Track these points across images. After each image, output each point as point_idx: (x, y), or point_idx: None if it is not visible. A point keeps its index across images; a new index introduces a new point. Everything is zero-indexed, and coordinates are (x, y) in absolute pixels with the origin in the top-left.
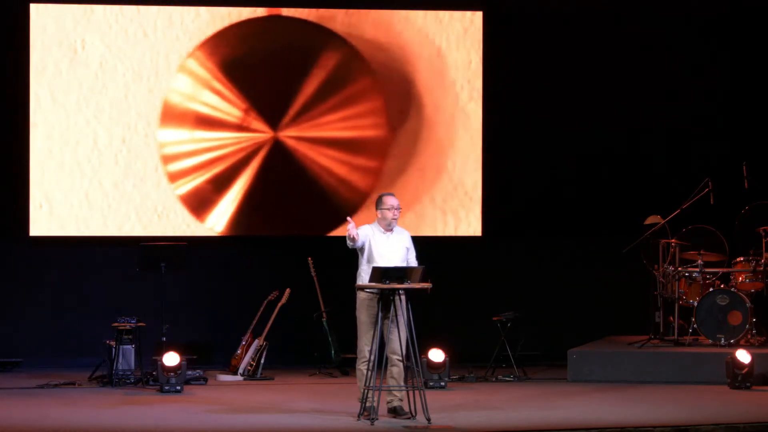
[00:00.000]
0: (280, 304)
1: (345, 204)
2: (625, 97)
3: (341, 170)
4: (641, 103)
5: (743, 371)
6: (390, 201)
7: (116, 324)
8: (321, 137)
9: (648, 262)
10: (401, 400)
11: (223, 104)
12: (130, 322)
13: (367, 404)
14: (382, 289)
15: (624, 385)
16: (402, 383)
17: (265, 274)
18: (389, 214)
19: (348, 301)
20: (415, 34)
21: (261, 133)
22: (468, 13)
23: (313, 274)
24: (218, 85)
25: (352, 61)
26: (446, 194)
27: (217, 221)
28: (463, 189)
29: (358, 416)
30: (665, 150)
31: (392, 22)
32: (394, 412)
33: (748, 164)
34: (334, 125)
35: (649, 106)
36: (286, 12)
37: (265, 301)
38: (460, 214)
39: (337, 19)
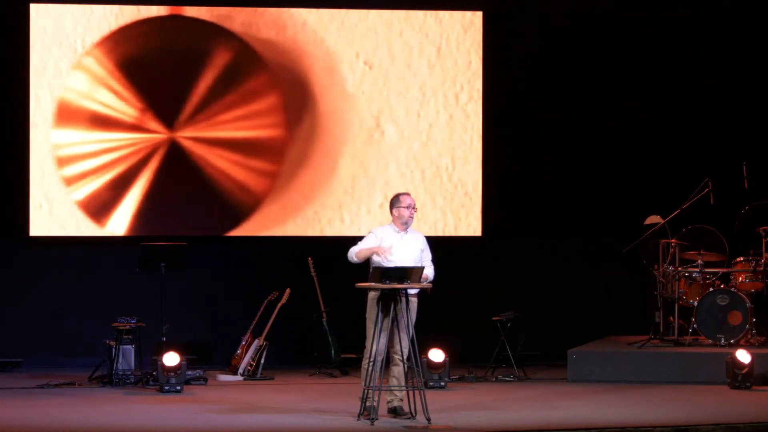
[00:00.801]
0: (280, 304)
1: (241, 205)
2: (625, 96)
3: (238, 174)
4: (641, 102)
5: (743, 371)
6: (407, 200)
7: (116, 324)
8: (217, 138)
9: (648, 262)
10: (401, 400)
11: (119, 103)
12: (130, 322)
13: (368, 404)
14: (382, 289)
15: (624, 385)
16: (402, 383)
17: (265, 274)
18: (406, 213)
19: (348, 301)
20: (308, 35)
21: (157, 133)
22: (468, 13)
23: (313, 274)
24: (115, 84)
25: (247, 59)
26: (446, 194)
27: (117, 225)
28: (463, 189)
29: (359, 416)
30: (665, 150)
31: (287, 22)
32: (394, 412)
33: (748, 164)
34: (230, 125)
35: (649, 105)
36: (186, 11)
37: (265, 301)
38: (460, 214)
39: (236, 19)
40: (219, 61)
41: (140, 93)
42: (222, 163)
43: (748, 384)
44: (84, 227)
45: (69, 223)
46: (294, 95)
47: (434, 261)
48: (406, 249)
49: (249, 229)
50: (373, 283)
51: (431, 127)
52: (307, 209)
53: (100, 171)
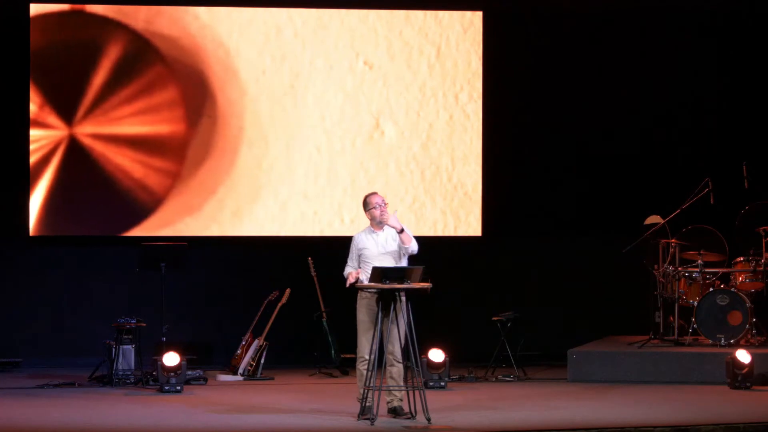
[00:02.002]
0: (280, 304)
1: (140, 204)
2: (624, 96)
3: (137, 170)
4: (641, 102)
5: (743, 371)
6: (375, 199)
7: (116, 324)
8: (117, 134)
9: (648, 262)
10: (401, 400)
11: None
12: (130, 322)
13: (367, 404)
14: (381, 289)
15: (624, 385)
16: (402, 383)
17: (265, 274)
18: (377, 212)
19: (348, 301)
20: (205, 30)
21: (57, 129)
22: (468, 13)
23: (313, 274)
24: None
25: (146, 55)
26: (446, 194)
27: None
28: (463, 189)
29: (358, 416)
30: (665, 150)
31: (186, 19)
32: (394, 412)
33: (748, 164)
34: (130, 119)
35: (649, 105)
36: (90, 8)
37: (265, 301)
38: (460, 214)
39: (135, 16)
40: (114, 54)
41: (38, 88)
42: (121, 160)
43: (748, 384)
44: None
45: (69, 223)
46: (194, 90)
47: (434, 261)
48: (382, 245)
49: (148, 228)
50: (373, 283)
51: (431, 127)
52: (206, 207)
53: None
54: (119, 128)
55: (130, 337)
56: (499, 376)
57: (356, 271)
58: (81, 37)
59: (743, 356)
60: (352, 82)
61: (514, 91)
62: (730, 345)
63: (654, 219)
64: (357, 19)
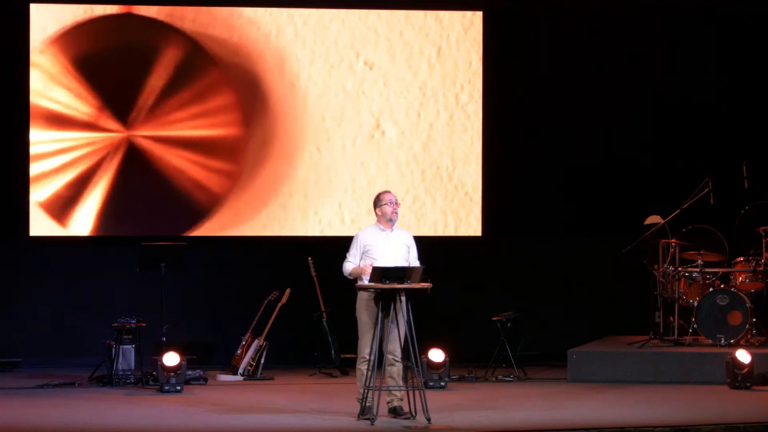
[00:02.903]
0: (280, 304)
1: (200, 205)
2: (625, 96)
3: (195, 171)
4: (641, 102)
5: (743, 371)
6: (388, 196)
7: (116, 324)
8: (174, 137)
9: (648, 262)
10: (401, 400)
11: (75, 102)
12: (130, 322)
13: (367, 404)
14: (382, 289)
15: (624, 385)
16: (401, 383)
17: (265, 274)
18: (388, 210)
19: (348, 301)
20: (256, 33)
21: (114, 132)
22: (468, 13)
23: (313, 274)
24: (70, 82)
25: (200, 59)
26: (446, 194)
27: (80, 225)
28: (463, 189)
29: (358, 416)
30: (665, 150)
31: (241, 22)
32: (394, 412)
33: (748, 164)
34: (186, 123)
35: (649, 105)
36: (139, 10)
37: (265, 301)
38: (460, 214)
39: (186, 17)
40: (169, 59)
41: (95, 91)
42: (180, 162)
43: (748, 384)
44: (47, 228)
45: (69, 223)
46: (247, 94)
47: (434, 261)
48: (392, 248)
49: (209, 229)
50: (373, 283)
51: (431, 127)
52: (266, 209)
53: (60, 171)
54: (176, 131)
55: (130, 337)
56: (499, 376)
57: (369, 264)
58: (133, 39)
59: (743, 356)
60: (352, 82)
61: (514, 91)
62: (730, 345)
63: (654, 219)
64: (357, 18)
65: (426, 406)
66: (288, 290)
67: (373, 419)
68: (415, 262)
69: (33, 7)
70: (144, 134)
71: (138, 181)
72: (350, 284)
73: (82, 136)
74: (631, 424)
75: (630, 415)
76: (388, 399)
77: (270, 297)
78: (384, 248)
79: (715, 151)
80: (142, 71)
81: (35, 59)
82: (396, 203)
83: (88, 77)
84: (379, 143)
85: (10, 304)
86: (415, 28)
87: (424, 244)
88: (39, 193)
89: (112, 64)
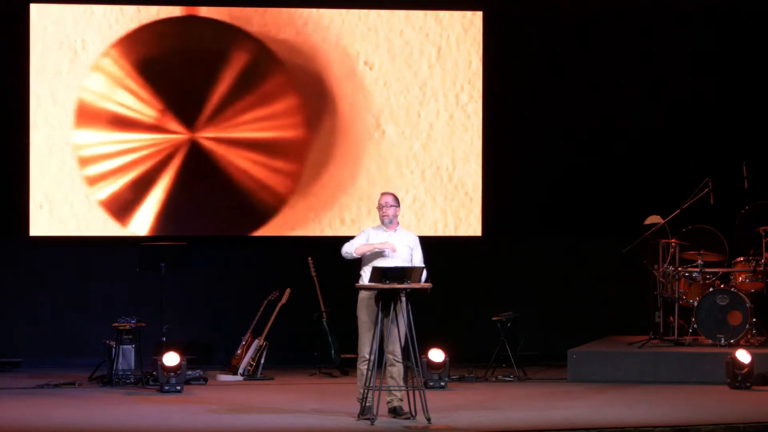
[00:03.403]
0: (280, 304)
1: (265, 205)
2: (624, 96)
3: (259, 172)
4: (641, 102)
5: (743, 371)
6: (385, 198)
7: (116, 324)
8: (237, 138)
9: (648, 262)
10: (401, 400)
11: (139, 104)
12: (130, 322)
13: (367, 404)
14: (382, 289)
15: (624, 385)
16: (402, 383)
17: (265, 274)
18: (380, 213)
19: (348, 301)
20: (332, 33)
21: (178, 134)
22: (468, 13)
23: (313, 274)
24: (133, 85)
25: (265, 61)
26: (446, 194)
27: (140, 225)
28: (463, 189)
29: (358, 416)
30: (665, 150)
31: (307, 23)
32: (394, 412)
33: (748, 164)
34: (250, 125)
35: (649, 105)
36: (202, 12)
37: (265, 301)
38: (460, 214)
39: (251, 19)
40: (237, 62)
41: (159, 94)
42: (243, 162)
43: (748, 384)
44: (107, 227)
45: (69, 223)
46: (312, 95)
47: (434, 261)
48: (398, 252)
49: (272, 229)
50: (373, 284)
51: (431, 127)
52: (332, 209)
53: (122, 171)
54: (239, 133)
55: (130, 337)
56: (499, 376)
57: (384, 243)
58: (196, 42)
59: (743, 356)
60: (352, 81)
61: (514, 91)
62: (730, 345)
63: (654, 219)
64: (357, 18)
65: (426, 406)
66: (288, 290)
67: (373, 419)
68: (419, 260)
69: (33, 7)
70: (207, 136)
71: (200, 182)
72: (350, 284)
73: (145, 137)
74: (631, 424)
75: (630, 415)
76: (388, 399)
77: (270, 297)
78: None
79: (715, 151)
80: (206, 73)
81: (99, 62)
82: (388, 205)
83: (151, 80)
84: (379, 143)
85: (10, 304)
86: (414, 28)
87: (424, 244)
88: (100, 193)
89: (176, 66)
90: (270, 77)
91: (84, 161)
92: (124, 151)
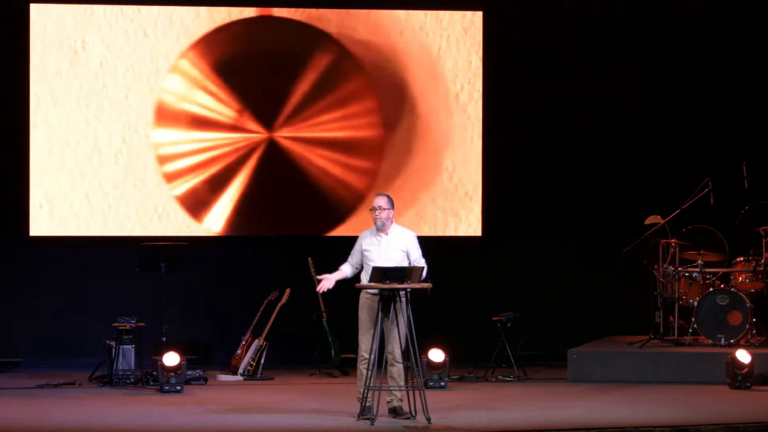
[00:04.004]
0: (280, 304)
1: (342, 204)
2: (624, 96)
3: (337, 171)
4: (641, 102)
5: (743, 371)
6: (373, 202)
7: (116, 324)
8: (316, 137)
9: (648, 262)
10: (401, 400)
11: (217, 105)
12: (130, 322)
13: (367, 404)
14: (381, 290)
15: (624, 385)
16: (402, 383)
17: (265, 274)
18: (377, 214)
19: (348, 301)
20: (410, 34)
21: (256, 133)
22: (468, 13)
23: (313, 274)
24: (211, 86)
25: (344, 62)
26: (446, 194)
27: (215, 222)
28: (463, 189)
29: (358, 416)
30: (665, 150)
31: (383, 23)
32: (394, 412)
33: (748, 164)
34: (328, 125)
35: (649, 105)
36: (278, 12)
37: (265, 301)
38: (460, 214)
39: (329, 20)
40: (317, 63)
41: (236, 94)
42: (322, 161)
43: (748, 384)
44: (183, 224)
45: (69, 223)
46: (391, 96)
47: (434, 261)
48: (384, 252)
49: (349, 228)
50: (373, 284)
51: (431, 127)
52: (413, 208)
53: (200, 169)
54: (318, 132)
55: (130, 337)
56: (499, 376)
57: (329, 282)
58: (273, 43)
59: (743, 356)
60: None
61: (514, 91)
62: (730, 345)
63: (654, 219)
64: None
65: (426, 406)
66: (288, 290)
67: (373, 419)
68: (417, 261)
69: (33, 7)
70: (285, 135)
71: (276, 181)
72: (350, 284)
73: (223, 136)
74: (631, 424)
75: (630, 415)
76: (388, 399)
77: (270, 297)
78: (378, 253)
79: (715, 151)
80: (284, 74)
81: (177, 64)
82: (378, 208)
83: (228, 81)
84: (379, 143)
85: (10, 304)
86: (415, 28)
87: (424, 244)
88: (177, 189)
89: (253, 67)
90: (349, 79)
91: (162, 159)
92: (202, 149)
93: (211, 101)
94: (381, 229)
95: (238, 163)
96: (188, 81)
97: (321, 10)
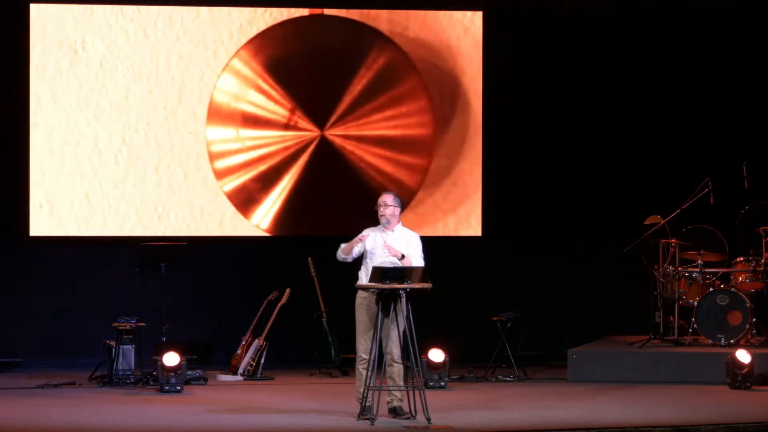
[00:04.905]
0: (280, 304)
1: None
2: (625, 96)
3: (388, 168)
4: (641, 102)
5: (743, 371)
6: (379, 199)
7: (116, 324)
8: (367, 135)
9: (648, 262)
10: (401, 400)
11: (269, 103)
12: (130, 322)
13: (366, 404)
14: (381, 289)
15: (624, 385)
16: (401, 383)
17: (265, 274)
18: (382, 212)
19: (348, 301)
20: (460, 34)
21: (307, 131)
22: (468, 13)
23: (313, 274)
24: (264, 85)
25: (398, 61)
26: (446, 194)
27: (263, 218)
28: (463, 189)
29: (358, 416)
30: (665, 150)
31: (437, 21)
32: (394, 412)
33: (748, 164)
34: (380, 124)
35: (649, 105)
36: (328, 12)
37: (265, 301)
38: (460, 214)
39: (380, 18)
40: (371, 62)
41: (288, 93)
42: (373, 158)
43: (748, 384)
44: (234, 220)
45: (69, 223)
46: (443, 95)
47: (434, 261)
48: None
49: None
50: (373, 284)
51: (431, 127)
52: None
53: (250, 166)
54: (368, 131)
55: (130, 337)
56: (499, 376)
57: (363, 236)
58: (324, 42)
59: (743, 356)
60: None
61: (514, 91)
62: (730, 345)
63: (654, 219)
64: (357, 18)
65: (426, 406)
66: (288, 290)
67: (373, 419)
68: (416, 259)
69: (33, 7)
70: (336, 134)
71: (327, 179)
72: (350, 284)
73: (274, 134)
74: (631, 424)
75: (630, 415)
76: (388, 399)
77: (270, 297)
78: (381, 249)
79: (715, 151)
80: (335, 73)
81: (232, 64)
82: (385, 205)
83: (280, 80)
84: (379, 143)
85: (10, 304)
86: (415, 28)
87: (423, 244)
88: (228, 185)
89: (305, 66)
90: (403, 79)
91: (213, 156)
92: (252, 147)
93: (264, 100)
94: (386, 226)
95: (289, 160)
96: (241, 80)
97: (370, 11)
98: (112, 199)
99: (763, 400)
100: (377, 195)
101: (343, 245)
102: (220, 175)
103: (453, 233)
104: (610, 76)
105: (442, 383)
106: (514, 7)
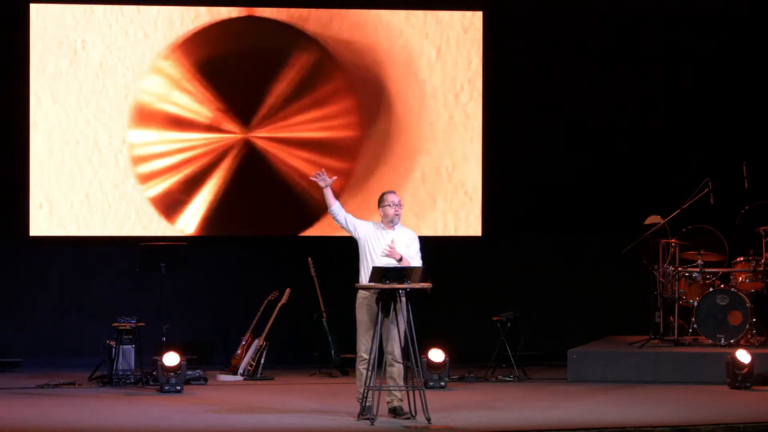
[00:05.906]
0: (280, 304)
1: (316, 204)
2: (625, 96)
3: (311, 171)
4: (641, 102)
5: (743, 371)
6: (390, 198)
7: (116, 324)
8: (292, 138)
9: (648, 262)
10: (401, 400)
11: (195, 105)
12: (130, 322)
13: (366, 404)
14: (381, 289)
15: (624, 385)
16: (401, 383)
17: (265, 274)
18: (390, 211)
19: (348, 301)
20: (389, 34)
21: (232, 133)
22: (468, 13)
23: (313, 274)
24: (191, 86)
25: (324, 62)
26: (446, 194)
27: (188, 223)
28: (463, 189)
29: (358, 416)
30: (665, 150)
31: (366, 23)
32: (394, 412)
33: (748, 164)
34: (305, 126)
35: (649, 105)
36: (260, 12)
37: (265, 301)
38: (460, 214)
39: (310, 20)
40: (296, 62)
41: (218, 94)
42: (296, 162)
43: (748, 384)
44: (156, 224)
45: (69, 223)
46: (369, 97)
47: (434, 261)
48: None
49: (322, 228)
50: (373, 284)
51: (431, 127)
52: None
53: (174, 170)
54: (294, 133)
55: (130, 337)
56: (499, 376)
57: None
58: (256, 43)
59: (743, 356)
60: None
61: (514, 91)
62: (730, 345)
63: (654, 219)
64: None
65: (426, 406)
66: (288, 290)
67: (373, 419)
68: (415, 258)
69: (33, 7)
70: (261, 136)
71: (250, 182)
72: (350, 284)
73: (199, 137)
74: (631, 424)
75: (630, 415)
76: (388, 399)
77: (270, 297)
78: (381, 247)
79: (715, 151)
80: (264, 74)
81: (159, 65)
82: (399, 204)
83: (209, 81)
84: (379, 143)
85: (10, 304)
86: (414, 28)
87: (424, 244)
88: (151, 191)
89: (235, 67)
90: (328, 79)
91: (137, 160)
92: (177, 150)
93: (189, 101)
94: (389, 225)
95: (213, 163)
96: (168, 81)
97: (303, 10)
98: (112, 199)
99: (763, 400)
100: (302, 199)
101: (348, 215)
102: (143, 179)
103: (453, 233)
104: (610, 76)
105: (442, 383)
106: (514, 7)
